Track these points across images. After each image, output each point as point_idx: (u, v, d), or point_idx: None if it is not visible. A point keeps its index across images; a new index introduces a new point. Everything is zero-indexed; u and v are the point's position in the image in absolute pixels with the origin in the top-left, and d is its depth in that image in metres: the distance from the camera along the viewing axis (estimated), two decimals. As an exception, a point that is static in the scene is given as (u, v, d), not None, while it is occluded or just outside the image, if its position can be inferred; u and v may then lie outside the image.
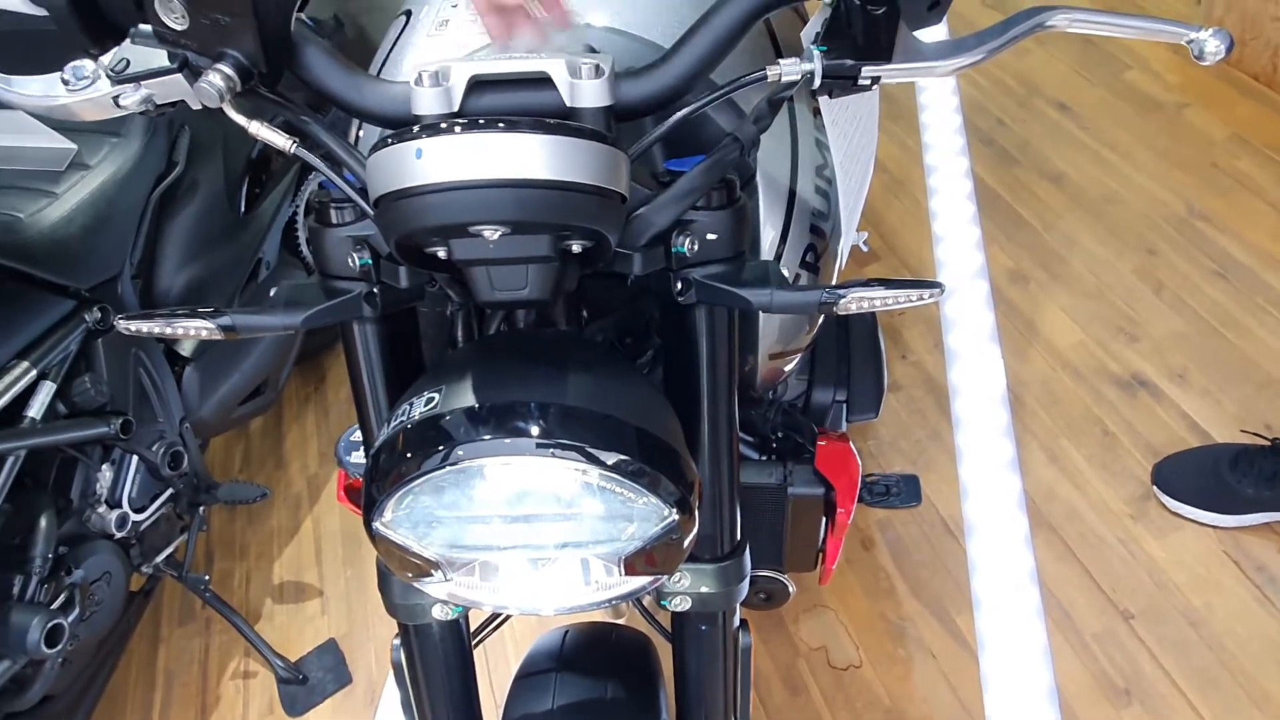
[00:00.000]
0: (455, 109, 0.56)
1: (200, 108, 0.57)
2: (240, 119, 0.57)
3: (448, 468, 0.54)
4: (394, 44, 0.86)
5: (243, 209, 1.63)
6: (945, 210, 2.10)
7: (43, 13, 0.55)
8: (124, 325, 0.61)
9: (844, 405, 1.19)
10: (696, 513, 0.59)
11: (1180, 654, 1.38)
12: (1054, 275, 1.94)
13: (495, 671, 1.52)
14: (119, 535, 1.36)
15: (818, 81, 0.58)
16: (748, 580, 0.77)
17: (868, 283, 0.58)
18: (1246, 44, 2.21)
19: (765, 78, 0.58)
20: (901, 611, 1.49)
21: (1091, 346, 1.80)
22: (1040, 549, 1.53)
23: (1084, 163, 2.15)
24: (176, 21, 0.53)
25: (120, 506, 1.37)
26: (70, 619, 1.21)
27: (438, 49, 0.81)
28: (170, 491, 1.46)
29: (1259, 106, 2.18)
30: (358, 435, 0.93)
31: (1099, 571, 1.49)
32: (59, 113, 0.59)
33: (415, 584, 0.62)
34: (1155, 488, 1.56)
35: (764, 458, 1.03)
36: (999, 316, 1.88)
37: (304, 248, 1.82)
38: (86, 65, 0.58)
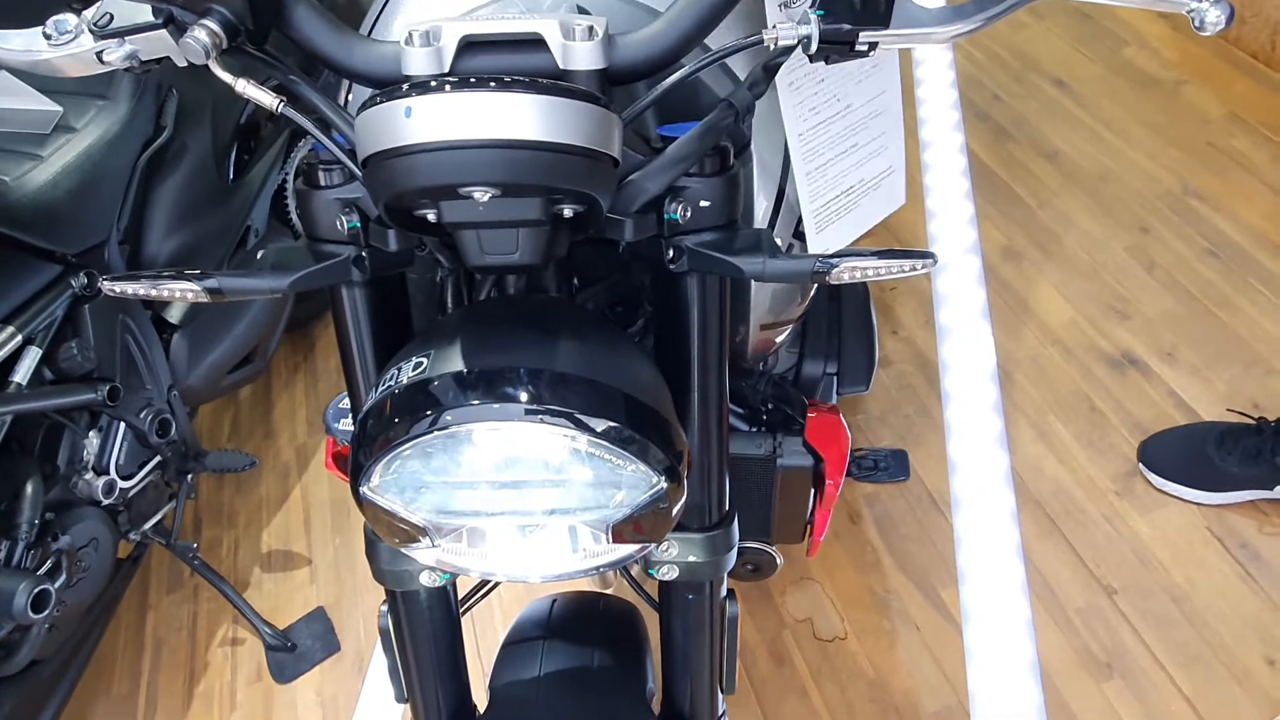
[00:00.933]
0: (446, 69, 0.55)
1: (186, 65, 0.56)
2: (227, 77, 0.56)
3: (436, 432, 0.54)
4: (384, 4, 0.84)
5: (231, 175, 1.61)
6: (939, 185, 2.10)
7: (23, -36, 0.54)
8: (109, 286, 0.60)
9: (834, 378, 1.20)
10: (685, 481, 0.59)
11: (1162, 629, 1.40)
12: (1047, 252, 1.93)
13: (483, 639, 1.53)
14: (106, 502, 1.35)
15: (814, 46, 0.57)
16: (735, 550, 0.77)
17: (861, 252, 0.58)
18: (1246, 21, 2.20)
19: (761, 42, 0.58)
20: (887, 584, 1.50)
21: (1082, 324, 1.80)
22: (1026, 524, 1.54)
23: (1079, 139, 2.15)
24: (161, -26, 0.52)
25: (107, 473, 1.36)
26: (57, 585, 1.21)
27: (429, 9, 0.80)
28: (158, 459, 1.45)
29: (1256, 85, 2.17)
30: (346, 402, 0.92)
31: (1083, 547, 1.50)
32: (41, 68, 0.58)
33: (403, 550, 0.62)
34: (1141, 465, 1.57)
35: (754, 429, 1.04)
36: (991, 293, 1.88)
37: (293, 215, 1.81)
38: (69, 19, 0.57)
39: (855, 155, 0.81)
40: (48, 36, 0.57)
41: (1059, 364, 1.75)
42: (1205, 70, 2.23)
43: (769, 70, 0.60)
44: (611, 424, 0.55)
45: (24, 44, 0.58)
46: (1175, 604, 1.42)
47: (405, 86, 0.51)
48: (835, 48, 0.57)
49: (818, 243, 0.82)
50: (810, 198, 0.79)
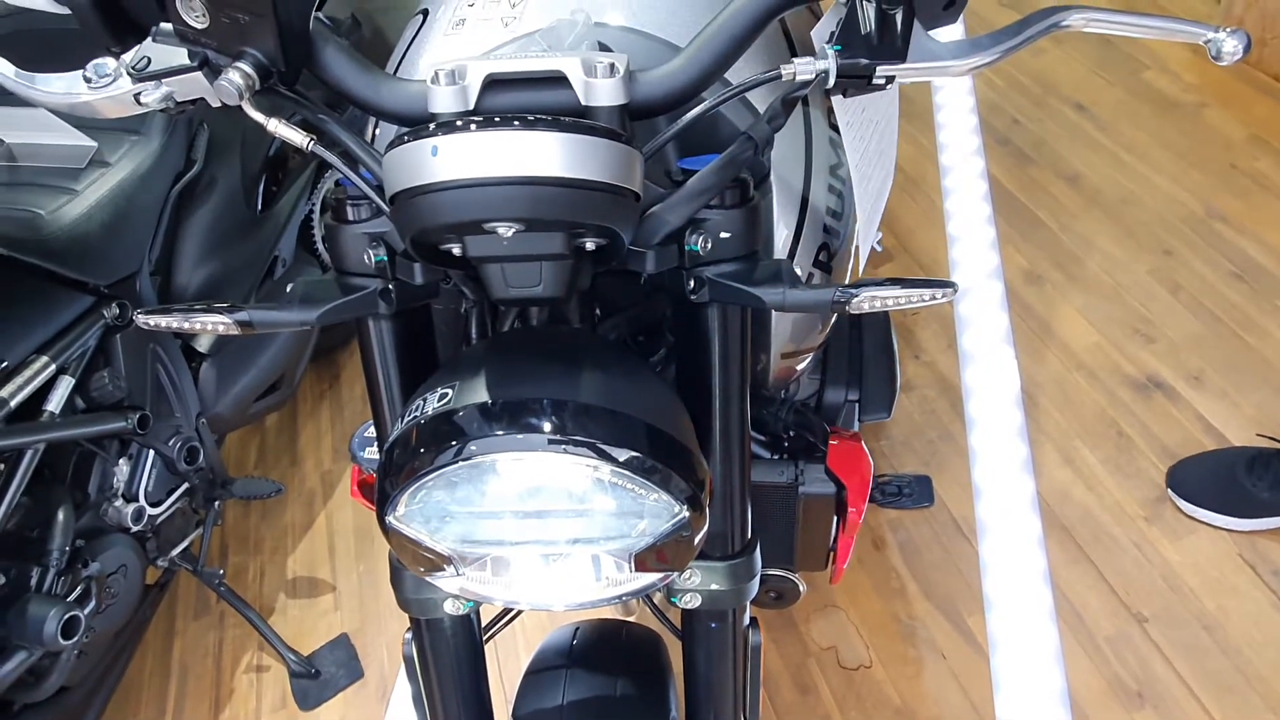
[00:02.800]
0: (471, 107, 0.56)
1: (220, 105, 0.58)
2: (259, 117, 0.57)
3: (461, 463, 0.55)
4: (410, 43, 0.86)
5: (260, 207, 1.64)
6: (960, 210, 2.10)
7: (66, 11, 0.56)
8: (143, 320, 0.61)
9: (856, 405, 1.19)
10: (707, 510, 0.59)
11: (1194, 658, 1.37)
12: (1070, 276, 1.93)
13: (506, 667, 1.53)
14: (135, 529, 1.37)
15: (832, 80, 0.58)
16: (758, 578, 0.77)
17: (880, 282, 0.58)
18: (1266, 43, 2.19)
19: (780, 76, 0.58)
20: (912, 612, 1.49)
21: (1107, 348, 1.79)
22: (1053, 551, 1.52)
23: (1100, 163, 2.14)
24: (197, 20, 0.53)
25: (137, 500, 1.38)
26: (86, 611, 1.23)
27: (454, 48, 0.81)
28: (186, 486, 1.47)
29: (1278, 107, 2.16)
30: (372, 431, 0.93)
31: (1112, 574, 1.48)
32: (81, 110, 0.60)
33: (427, 578, 0.62)
34: (1170, 490, 1.55)
35: (776, 456, 1.03)
36: (1014, 317, 1.87)
37: (320, 245, 1.84)
38: (108, 63, 0.59)
39: (880, 157, 0.83)
40: (88, 80, 0.59)
41: (1084, 388, 1.73)
42: (1226, 93, 2.22)
43: (788, 104, 0.61)
44: (634, 454, 0.55)
45: (65, 86, 0.60)
46: (1207, 632, 1.39)
47: (432, 126, 0.52)
48: (852, 81, 0.58)
49: (868, 242, 0.85)
50: (862, 209, 0.81)
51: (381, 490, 0.58)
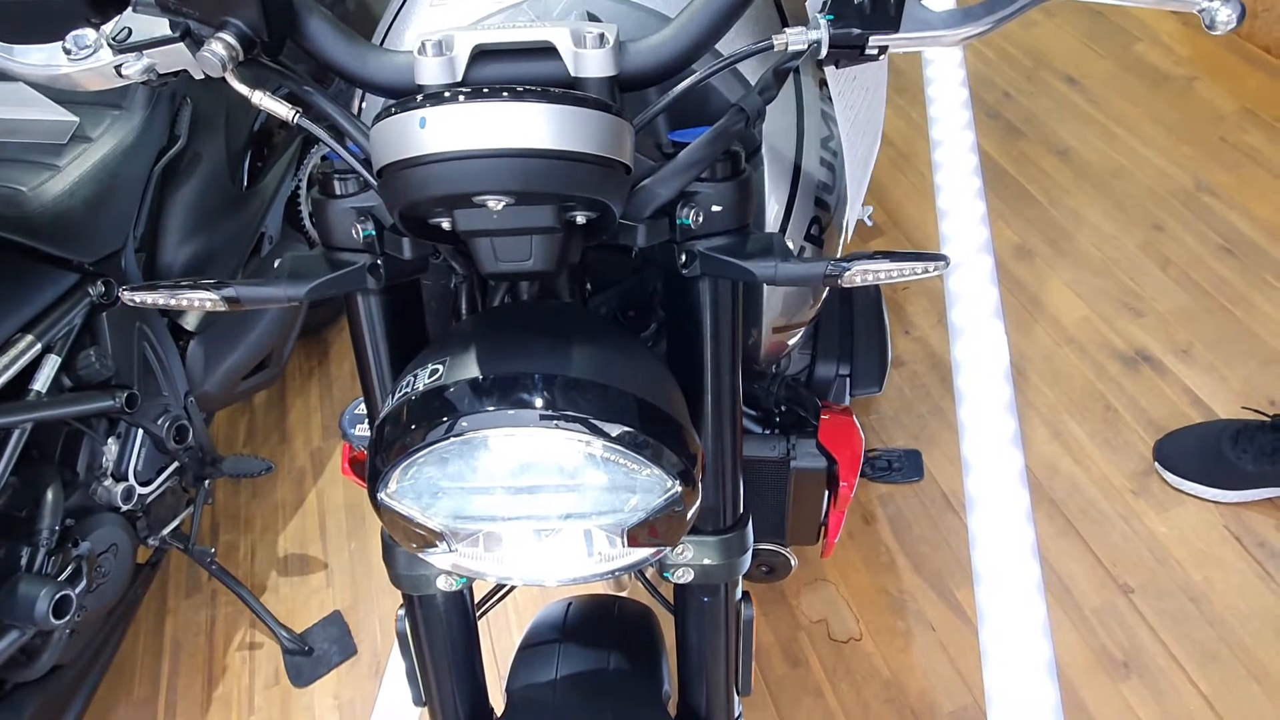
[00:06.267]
0: (459, 78, 0.55)
1: (203, 77, 0.57)
2: (243, 89, 0.56)
3: (452, 439, 0.54)
4: (396, 13, 0.85)
5: (245, 183, 1.63)
6: (950, 184, 2.09)
7: (43, -20, 0.55)
8: (128, 296, 0.61)
9: (847, 379, 1.20)
10: (699, 485, 0.59)
11: (1180, 628, 1.39)
12: (1059, 250, 1.93)
13: (499, 643, 1.53)
14: (125, 508, 1.37)
15: (824, 51, 0.57)
16: (750, 553, 0.77)
17: (872, 255, 0.58)
18: (1258, 16, 2.19)
19: (771, 47, 0.58)
20: (902, 585, 1.50)
21: (1096, 322, 1.79)
22: (1041, 524, 1.53)
23: (1091, 136, 2.14)
24: (178, -11, 0.52)
25: (126, 479, 1.38)
26: (77, 590, 1.22)
27: (441, 18, 0.80)
28: (176, 465, 1.47)
29: (1269, 80, 2.16)
30: (362, 408, 0.93)
31: (1099, 546, 1.50)
32: (61, 82, 0.59)
33: (420, 555, 0.62)
34: (1157, 463, 1.56)
35: (767, 431, 1.04)
36: (1003, 291, 1.87)
37: (307, 222, 1.82)
38: (88, 34, 0.57)
39: (868, 125, 0.83)
40: (67, 51, 0.57)
41: (1073, 362, 1.74)
42: (1217, 66, 2.22)
43: (779, 75, 0.60)
44: (626, 429, 0.55)
45: (44, 59, 0.59)
46: (1193, 603, 1.41)
47: (420, 97, 0.51)
48: (845, 52, 0.58)
49: (855, 213, 0.85)
50: (851, 174, 0.81)
51: (373, 467, 0.58)
